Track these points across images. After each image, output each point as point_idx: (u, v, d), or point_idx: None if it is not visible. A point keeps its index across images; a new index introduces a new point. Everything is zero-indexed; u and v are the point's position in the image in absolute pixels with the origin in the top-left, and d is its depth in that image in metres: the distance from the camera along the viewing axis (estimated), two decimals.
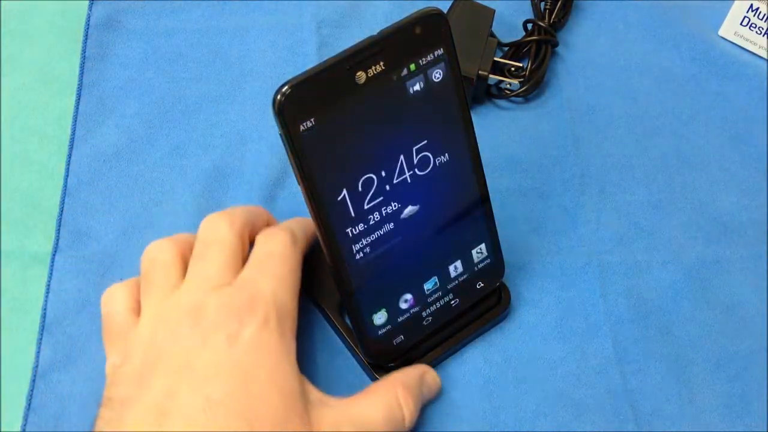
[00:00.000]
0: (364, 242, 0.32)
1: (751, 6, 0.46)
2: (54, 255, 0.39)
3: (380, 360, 0.35)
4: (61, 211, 0.40)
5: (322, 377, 0.36)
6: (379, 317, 0.34)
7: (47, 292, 0.38)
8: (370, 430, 0.32)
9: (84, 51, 0.45)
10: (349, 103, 0.29)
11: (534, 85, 0.45)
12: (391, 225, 0.33)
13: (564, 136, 0.44)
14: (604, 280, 0.40)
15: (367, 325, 0.34)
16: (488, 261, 0.36)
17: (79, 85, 0.44)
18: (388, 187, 0.32)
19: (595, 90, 0.46)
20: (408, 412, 0.33)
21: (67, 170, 0.42)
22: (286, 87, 0.28)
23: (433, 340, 0.36)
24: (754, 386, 0.37)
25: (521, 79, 0.45)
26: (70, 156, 0.42)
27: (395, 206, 0.32)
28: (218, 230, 0.33)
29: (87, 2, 0.46)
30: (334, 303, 0.37)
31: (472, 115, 0.44)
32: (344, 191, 0.31)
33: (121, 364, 0.31)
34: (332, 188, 0.31)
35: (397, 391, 0.33)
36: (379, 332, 0.34)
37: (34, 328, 0.37)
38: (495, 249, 0.36)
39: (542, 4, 0.47)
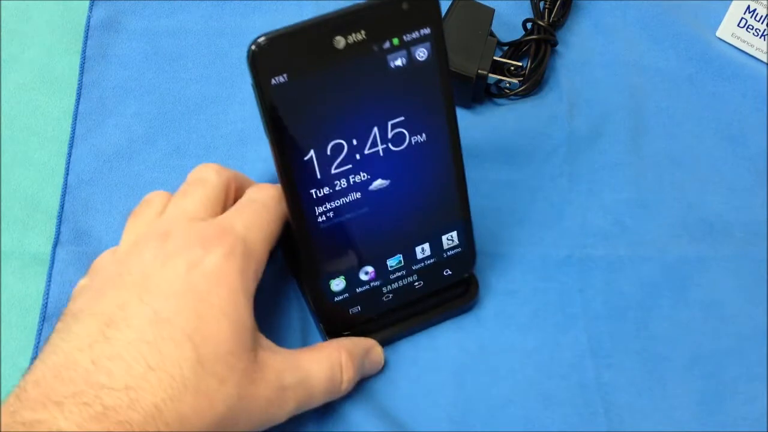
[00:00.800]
0: (328, 206, 0.33)
1: (749, 8, 0.47)
2: (54, 254, 0.39)
3: (334, 326, 0.36)
4: (61, 209, 0.40)
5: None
6: (337, 284, 0.34)
7: (47, 291, 0.38)
8: (309, 384, 0.32)
9: (84, 51, 0.45)
10: (325, 66, 0.30)
11: (533, 85, 0.45)
12: (358, 194, 0.33)
13: (560, 133, 0.44)
14: (583, 273, 0.40)
15: (323, 290, 0.34)
16: (458, 250, 0.36)
17: (79, 85, 0.44)
18: (358, 156, 0.32)
19: (593, 89, 0.46)
20: (347, 377, 0.34)
21: (67, 169, 0.42)
22: (262, 38, 0.29)
23: (392, 317, 0.37)
24: (728, 385, 0.37)
25: (521, 79, 0.45)
26: (70, 155, 0.42)
27: (364, 176, 0.33)
28: (204, 173, 0.35)
29: (87, 2, 0.46)
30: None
31: (472, 113, 0.45)
32: (312, 152, 0.31)
33: (87, 282, 0.32)
34: (300, 147, 0.31)
35: (341, 354, 0.34)
36: (336, 299, 0.35)
37: (34, 327, 0.37)
38: (467, 239, 0.36)
39: (542, 4, 0.47)
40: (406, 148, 0.33)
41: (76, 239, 0.40)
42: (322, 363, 0.33)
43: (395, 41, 0.31)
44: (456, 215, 0.36)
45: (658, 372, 0.38)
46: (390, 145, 0.33)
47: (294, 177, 0.31)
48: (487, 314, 0.39)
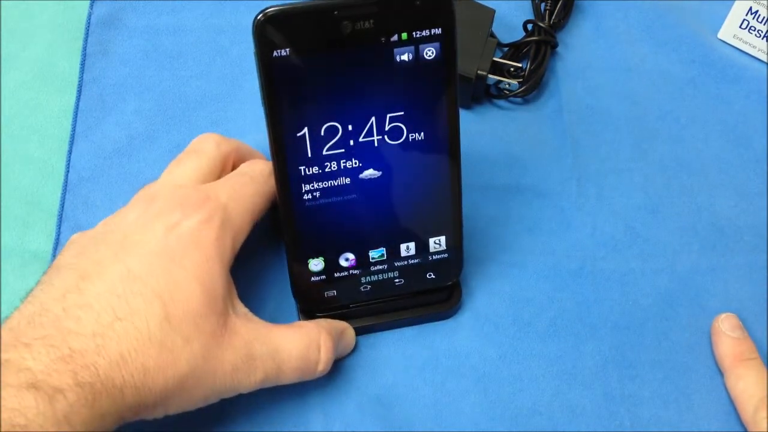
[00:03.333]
0: (316, 186, 0.33)
1: (750, 9, 0.46)
2: (55, 252, 0.39)
3: (309, 305, 0.36)
4: (62, 207, 0.41)
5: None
6: (316, 264, 0.35)
7: None
8: (280, 358, 0.32)
9: (84, 48, 0.45)
10: (329, 48, 0.30)
11: (533, 86, 0.45)
12: (347, 180, 0.33)
13: (562, 136, 0.44)
14: (597, 284, 0.40)
15: (301, 267, 0.35)
16: (445, 256, 0.36)
17: (79, 82, 0.44)
18: (352, 143, 0.32)
19: (593, 91, 0.46)
20: (325, 358, 0.34)
21: (68, 166, 0.42)
22: (270, 9, 0.29)
23: (366, 309, 0.37)
24: None
25: (520, 80, 0.45)
26: (70, 152, 0.42)
27: (356, 163, 0.33)
28: (203, 144, 0.35)
29: (88, 1, 0.46)
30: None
31: (471, 114, 0.45)
32: (305, 130, 0.31)
33: (77, 238, 0.33)
34: (294, 122, 0.31)
35: (320, 335, 0.34)
36: (312, 278, 0.35)
37: None
38: (456, 247, 0.36)
39: (542, 5, 0.47)
40: (402, 143, 0.33)
41: None
42: (297, 341, 0.33)
43: (404, 36, 0.31)
44: (446, 221, 0.36)
45: (682, 383, 0.38)
46: (386, 137, 0.33)
47: (285, 151, 0.32)
48: (505, 321, 0.39)
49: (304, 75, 0.30)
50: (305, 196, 0.33)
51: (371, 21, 0.30)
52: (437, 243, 0.36)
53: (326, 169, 0.33)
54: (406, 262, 0.36)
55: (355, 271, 0.35)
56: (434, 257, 0.36)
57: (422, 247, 0.36)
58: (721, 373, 0.38)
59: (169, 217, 0.32)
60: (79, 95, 0.44)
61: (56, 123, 0.43)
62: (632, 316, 0.39)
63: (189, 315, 0.30)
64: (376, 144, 0.33)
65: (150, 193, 0.33)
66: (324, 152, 0.32)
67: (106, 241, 0.31)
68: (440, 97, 0.32)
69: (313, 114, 0.31)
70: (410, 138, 0.33)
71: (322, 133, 0.32)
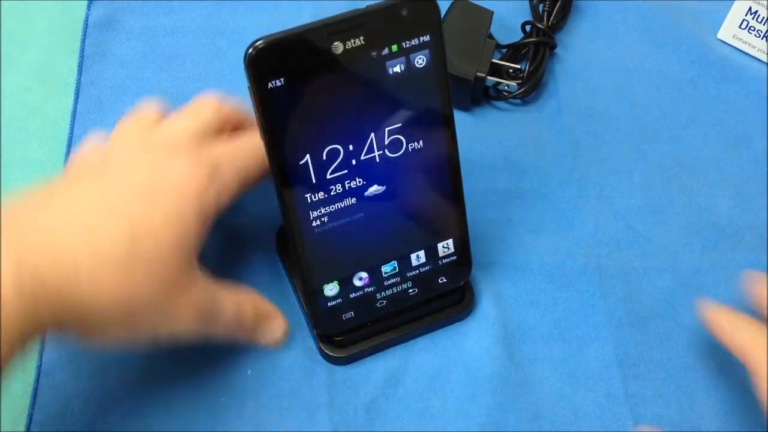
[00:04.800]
0: (323, 211, 0.32)
1: (750, 9, 0.46)
2: None
3: (327, 330, 0.36)
4: None
5: None
6: (331, 289, 0.34)
7: None
8: (214, 310, 0.33)
9: (82, 50, 0.45)
10: (323, 71, 0.30)
11: (532, 87, 0.45)
12: (353, 200, 0.33)
13: (562, 138, 0.44)
14: (602, 283, 0.40)
15: (317, 295, 0.34)
16: (454, 258, 0.36)
17: (77, 84, 0.44)
18: (354, 162, 0.32)
19: (592, 92, 0.46)
20: (238, 323, 0.34)
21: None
22: (260, 42, 0.29)
23: (385, 324, 0.37)
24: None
25: (519, 81, 0.45)
26: (67, 154, 0.42)
27: (360, 182, 0.33)
28: (204, 108, 0.35)
29: (86, 2, 0.46)
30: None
31: (470, 116, 0.45)
32: (307, 157, 0.31)
33: (74, 163, 0.34)
34: (295, 151, 0.31)
35: (250, 303, 0.35)
36: (329, 303, 0.35)
37: None
38: (463, 247, 0.36)
39: (541, 6, 0.47)
40: (402, 154, 0.33)
41: None
42: (234, 301, 0.34)
43: (394, 48, 0.30)
44: (452, 223, 0.36)
45: (685, 382, 0.38)
46: (386, 151, 0.32)
47: (289, 181, 0.31)
48: (511, 324, 0.39)
49: (302, 102, 0.30)
50: (314, 223, 0.33)
51: (361, 38, 0.30)
52: (445, 247, 0.36)
53: (332, 193, 0.32)
54: (417, 271, 0.36)
55: (370, 289, 0.35)
56: (444, 261, 0.36)
57: (432, 254, 0.36)
58: (721, 372, 0.38)
59: (159, 158, 0.32)
60: (77, 97, 0.44)
61: (54, 125, 0.43)
62: (635, 316, 0.39)
63: (154, 248, 0.30)
64: (377, 159, 0.32)
65: (150, 139, 0.34)
66: (328, 176, 0.32)
67: (94, 167, 0.32)
68: (435, 102, 0.32)
69: (314, 139, 0.31)
70: (410, 148, 0.33)
71: (324, 157, 0.31)
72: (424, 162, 0.33)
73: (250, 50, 0.29)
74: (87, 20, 0.46)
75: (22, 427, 0.35)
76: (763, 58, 0.48)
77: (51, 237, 0.28)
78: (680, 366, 0.38)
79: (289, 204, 0.32)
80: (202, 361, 0.36)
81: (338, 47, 0.30)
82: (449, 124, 0.33)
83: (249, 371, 0.36)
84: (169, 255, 0.30)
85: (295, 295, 0.38)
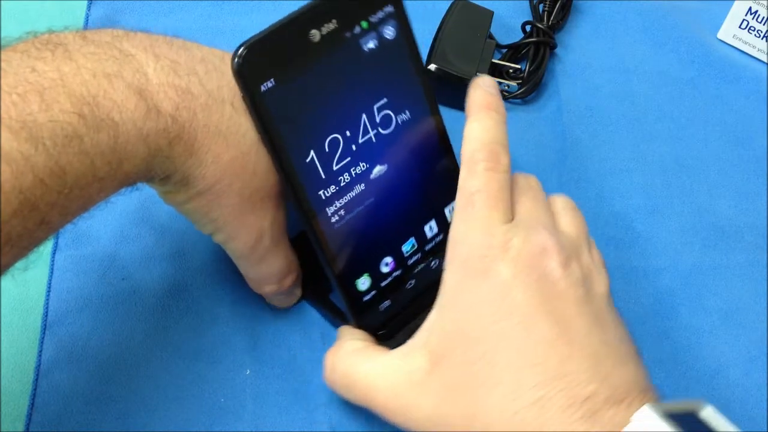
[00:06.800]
0: (338, 205, 0.32)
1: (750, 9, 0.46)
2: (54, 255, 0.39)
3: (370, 326, 0.35)
4: None
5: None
6: (363, 282, 0.34)
7: (48, 291, 0.38)
8: (270, 248, 0.33)
9: None
10: (306, 62, 0.30)
11: (532, 87, 0.45)
12: (363, 186, 0.33)
13: (561, 138, 0.44)
14: None
15: (353, 292, 0.34)
16: None
17: None
18: (354, 147, 0.32)
19: (593, 92, 0.46)
20: (279, 278, 0.35)
21: None
22: (242, 49, 0.28)
23: (419, 304, 0.36)
24: (753, 392, 0.37)
25: (519, 81, 0.45)
26: None
27: (364, 166, 0.33)
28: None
29: (86, 2, 0.46)
30: (321, 289, 0.38)
31: None
32: (312, 152, 0.31)
33: None
34: (300, 150, 0.31)
35: (296, 271, 0.36)
36: (365, 298, 0.35)
37: (36, 328, 0.37)
38: None
39: (541, 6, 0.47)
40: (394, 129, 0.33)
41: (75, 241, 0.40)
42: (282, 262, 0.34)
43: (364, 24, 0.31)
44: (453, 185, 0.35)
45: (684, 382, 0.38)
46: (380, 129, 0.33)
47: (300, 182, 0.31)
48: None
49: (294, 98, 0.30)
50: (332, 219, 0.32)
51: (334, 21, 0.30)
52: (451, 210, 0.36)
53: (341, 184, 0.32)
54: (433, 243, 0.36)
55: (397, 272, 0.35)
56: None
57: (442, 220, 0.36)
58: (722, 370, 0.38)
59: None
60: None
61: None
62: (634, 315, 0.39)
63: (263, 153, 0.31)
64: (374, 140, 0.33)
65: None
66: (334, 168, 0.32)
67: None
68: (410, 70, 0.33)
69: (314, 133, 0.31)
70: (399, 120, 0.33)
71: (327, 149, 0.31)
72: (415, 131, 0.34)
73: (236, 59, 0.28)
74: (87, 20, 0.46)
75: (21, 427, 0.35)
76: (763, 58, 0.48)
77: (201, 98, 0.29)
78: (679, 365, 0.38)
79: (306, 206, 0.32)
80: (201, 361, 0.36)
81: (315, 35, 0.30)
82: (427, 88, 0.34)
83: (248, 371, 0.36)
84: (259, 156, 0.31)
85: (316, 306, 0.38)
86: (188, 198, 0.31)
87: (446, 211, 0.36)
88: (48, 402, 0.35)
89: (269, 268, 0.34)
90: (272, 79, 0.29)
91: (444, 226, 0.36)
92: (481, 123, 0.32)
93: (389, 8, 0.31)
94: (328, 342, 0.37)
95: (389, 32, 0.32)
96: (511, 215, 0.31)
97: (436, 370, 0.29)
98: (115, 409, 0.35)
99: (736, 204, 0.43)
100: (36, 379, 0.36)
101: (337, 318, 0.36)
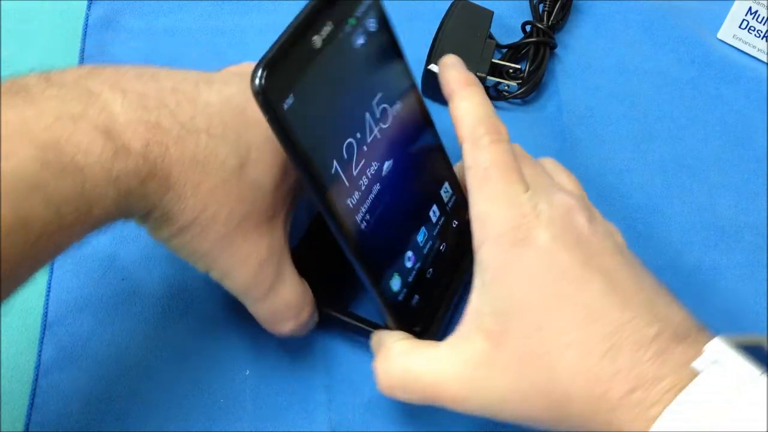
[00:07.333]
0: (363, 210, 0.32)
1: (750, 9, 0.46)
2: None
3: (410, 324, 0.35)
4: None
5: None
6: (395, 282, 0.34)
7: (48, 291, 0.38)
8: (277, 296, 0.33)
9: (82, 50, 0.45)
10: (315, 70, 0.30)
11: (532, 87, 0.45)
12: (378, 185, 0.33)
13: (562, 137, 0.44)
14: None
15: (389, 294, 0.34)
16: (454, 198, 0.37)
17: None
18: (365, 148, 0.32)
19: (593, 92, 0.46)
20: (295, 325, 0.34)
21: None
22: (260, 69, 0.27)
23: (440, 292, 0.36)
24: None
25: (519, 81, 0.45)
26: None
27: (375, 165, 0.33)
28: None
29: (86, 2, 0.46)
30: (340, 302, 0.37)
31: None
32: (335, 162, 0.31)
33: None
34: (324, 162, 0.30)
35: (309, 305, 0.34)
36: (399, 297, 0.34)
37: (36, 328, 0.37)
38: (456, 183, 0.37)
39: (541, 6, 0.47)
40: (391, 121, 0.33)
41: None
42: (295, 293, 0.33)
43: (352, 21, 0.31)
44: (442, 167, 0.36)
45: None
46: (381, 124, 0.33)
47: (331, 195, 0.31)
48: None
49: (311, 109, 0.30)
50: (361, 226, 0.32)
51: (329, 23, 0.30)
52: (446, 191, 0.36)
53: (362, 188, 0.32)
54: (438, 227, 0.36)
55: (418, 265, 0.35)
56: (449, 205, 0.37)
57: (440, 203, 0.36)
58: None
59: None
60: None
61: None
62: None
63: (259, 178, 0.31)
64: (378, 136, 0.33)
65: None
66: (354, 174, 0.32)
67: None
68: (393, 59, 0.33)
69: (333, 143, 0.31)
70: (394, 112, 0.33)
71: (345, 156, 0.31)
72: (407, 119, 0.34)
73: (256, 81, 0.27)
74: (87, 20, 0.46)
75: (20, 427, 0.35)
76: (763, 58, 0.48)
77: (179, 128, 0.29)
78: None
79: (338, 219, 0.31)
80: (201, 361, 0.36)
81: (317, 41, 0.29)
82: (409, 72, 0.34)
83: (247, 371, 0.36)
84: (266, 191, 0.31)
85: (336, 317, 0.37)
86: (172, 234, 0.30)
87: (442, 193, 0.36)
88: (48, 402, 0.35)
89: (279, 301, 0.33)
90: (291, 94, 0.28)
91: (443, 208, 0.36)
92: (469, 100, 0.33)
93: (368, 1, 0.31)
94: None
95: (372, 24, 0.32)
96: (526, 183, 0.31)
97: (501, 348, 0.29)
98: (114, 409, 0.35)
99: (736, 204, 0.43)
100: (35, 379, 0.36)
101: (363, 326, 0.36)
